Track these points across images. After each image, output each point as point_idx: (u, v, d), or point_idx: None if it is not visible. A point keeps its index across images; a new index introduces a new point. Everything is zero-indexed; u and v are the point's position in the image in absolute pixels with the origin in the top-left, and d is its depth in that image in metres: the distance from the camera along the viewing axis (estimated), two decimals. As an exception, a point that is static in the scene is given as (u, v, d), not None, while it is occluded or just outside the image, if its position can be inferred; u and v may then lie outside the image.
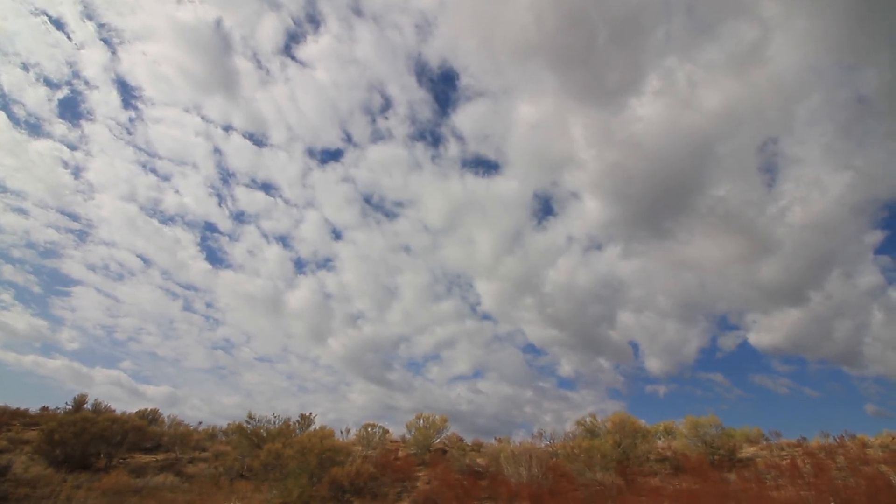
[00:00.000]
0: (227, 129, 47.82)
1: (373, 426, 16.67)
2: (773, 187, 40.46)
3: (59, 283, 42.15)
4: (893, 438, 13.65)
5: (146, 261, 43.77)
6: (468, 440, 17.85)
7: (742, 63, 38.65)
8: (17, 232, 39.49)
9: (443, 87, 50.96)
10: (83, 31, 42.59)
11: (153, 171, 45.73)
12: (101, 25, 42.50)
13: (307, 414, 16.20)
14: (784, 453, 13.33)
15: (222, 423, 19.14)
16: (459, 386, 43.64)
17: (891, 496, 7.79)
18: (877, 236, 36.25)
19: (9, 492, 9.56)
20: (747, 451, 14.15)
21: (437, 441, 16.33)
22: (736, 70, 39.08)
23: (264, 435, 14.31)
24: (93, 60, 43.36)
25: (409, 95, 50.33)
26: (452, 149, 49.63)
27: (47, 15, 40.81)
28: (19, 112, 40.59)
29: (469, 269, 48.69)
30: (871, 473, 9.26)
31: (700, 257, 41.67)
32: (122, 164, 44.98)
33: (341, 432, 16.45)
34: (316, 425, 15.88)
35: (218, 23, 45.39)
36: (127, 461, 13.82)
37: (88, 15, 42.48)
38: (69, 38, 42.18)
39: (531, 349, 46.40)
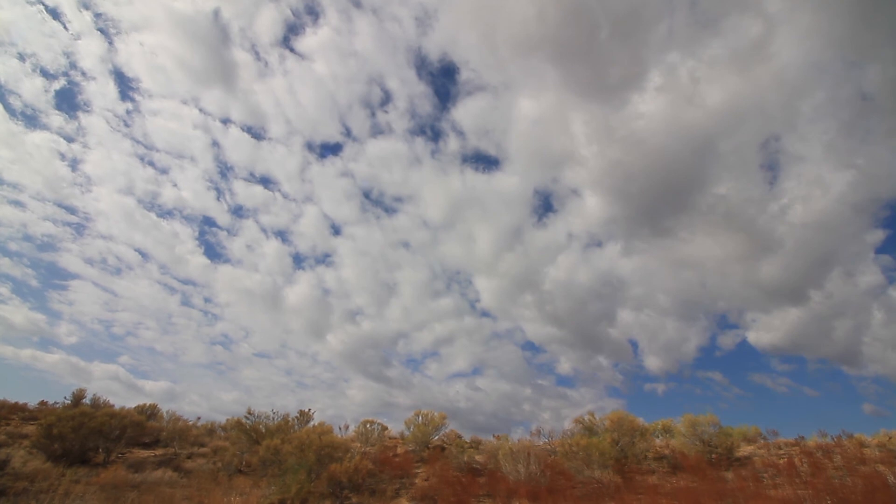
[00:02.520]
0: (226, 121, 47.73)
1: (371, 423, 16.74)
2: (774, 185, 40.53)
3: (56, 277, 42.06)
4: (890, 438, 13.69)
5: (144, 255, 43.78)
6: (467, 437, 17.93)
7: (745, 59, 38.61)
8: (14, 225, 39.45)
9: (443, 81, 50.67)
10: (80, 20, 42.32)
11: (151, 163, 45.57)
12: (97, 15, 42.28)
13: (306, 410, 16.23)
14: (782, 452, 13.38)
15: (221, 419, 19.21)
16: (458, 383, 43.72)
17: (887, 495, 7.81)
18: (878, 235, 36.32)
19: (7, 486, 9.56)
20: (745, 449, 14.20)
21: (436, 438, 16.38)
22: (739, 66, 39.02)
23: (263, 431, 14.33)
24: (90, 51, 43.10)
25: (408, 89, 50.07)
26: (452, 144, 49.42)
27: (44, 4, 40.55)
28: (16, 103, 40.43)
29: (468, 266, 48.64)
30: (868, 473, 9.29)
31: (700, 255, 41.74)
32: (120, 156, 44.85)
33: (340, 429, 16.55)
34: (314, 421, 15.92)
35: (216, 13, 45.05)
36: (125, 456, 13.82)
37: (85, 4, 42.25)
38: (66, 27, 41.93)
39: (530, 346, 46.43)
